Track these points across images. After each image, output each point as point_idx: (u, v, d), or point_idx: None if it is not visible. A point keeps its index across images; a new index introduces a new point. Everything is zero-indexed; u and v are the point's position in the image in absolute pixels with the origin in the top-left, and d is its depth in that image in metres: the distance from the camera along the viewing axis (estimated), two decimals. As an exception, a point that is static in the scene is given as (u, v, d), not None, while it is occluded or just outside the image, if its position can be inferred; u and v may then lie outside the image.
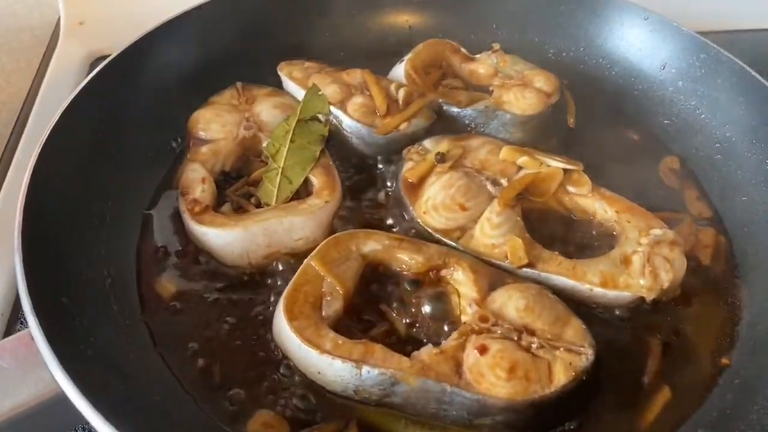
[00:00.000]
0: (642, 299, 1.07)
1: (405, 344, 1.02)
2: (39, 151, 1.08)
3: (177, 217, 1.21)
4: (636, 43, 1.47)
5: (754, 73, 1.29)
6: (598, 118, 1.42)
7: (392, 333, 1.05)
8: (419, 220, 1.16)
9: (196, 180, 1.20)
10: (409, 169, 1.22)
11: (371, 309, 1.08)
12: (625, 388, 1.02)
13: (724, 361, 1.06)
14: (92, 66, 1.63)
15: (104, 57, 1.30)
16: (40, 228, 1.02)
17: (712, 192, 1.30)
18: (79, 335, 0.96)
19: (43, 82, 1.58)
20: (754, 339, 1.07)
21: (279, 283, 1.11)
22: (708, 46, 1.37)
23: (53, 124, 1.13)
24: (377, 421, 0.97)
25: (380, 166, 1.29)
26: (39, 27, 1.79)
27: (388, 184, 1.26)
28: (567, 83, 1.41)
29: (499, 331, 0.98)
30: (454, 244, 1.13)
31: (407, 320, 1.07)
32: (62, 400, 0.83)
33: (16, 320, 1.18)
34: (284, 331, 0.99)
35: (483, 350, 0.94)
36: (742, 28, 1.82)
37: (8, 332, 1.17)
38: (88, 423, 0.92)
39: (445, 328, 1.05)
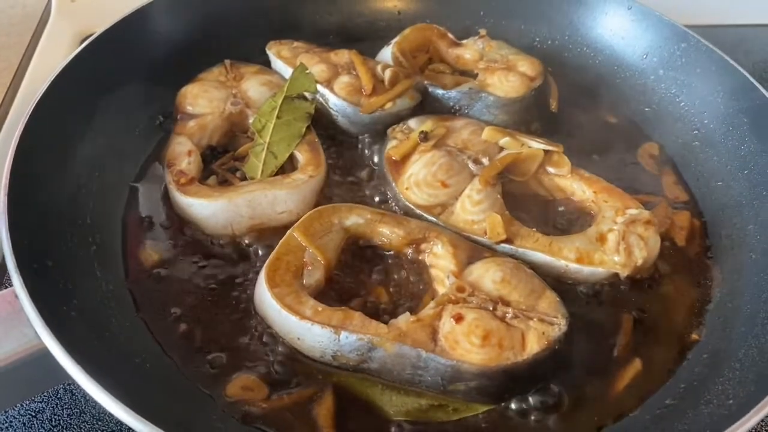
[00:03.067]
0: (616, 276, 1.10)
1: (383, 315, 1.04)
2: (26, 118, 1.10)
3: (163, 190, 1.23)
4: (619, 32, 1.50)
5: (731, 61, 1.32)
6: (580, 105, 1.45)
7: (371, 304, 1.07)
8: (401, 196, 1.18)
9: (183, 152, 1.21)
10: (393, 147, 1.24)
11: (352, 281, 1.10)
12: (596, 359, 1.04)
13: (695, 336, 1.09)
14: (83, 43, 1.64)
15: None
16: (25, 194, 1.03)
17: (688, 177, 1.33)
18: (63, 297, 0.97)
19: (33, 57, 1.59)
20: (724, 316, 1.10)
21: (261, 253, 1.13)
22: (688, 35, 1.40)
23: (41, 94, 1.15)
24: (354, 386, 0.99)
25: (365, 144, 1.31)
26: (30, 4, 1.79)
27: (372, 161, 1.28)
28: (551, 70, 1.43)
29: (474, 302, 1.00)
30: (434, 219, 1.15)
31: (386, 292, 1.09)
32: (44, 356, 0.85)
33: (0, 286, 1.19)
34: (265, 297, 1.01)
35: (459, 319, 0.97)
36: (725, 24, 1.85)
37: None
38: (70, 382, 0.95)
39: (422, 300, 1.07)
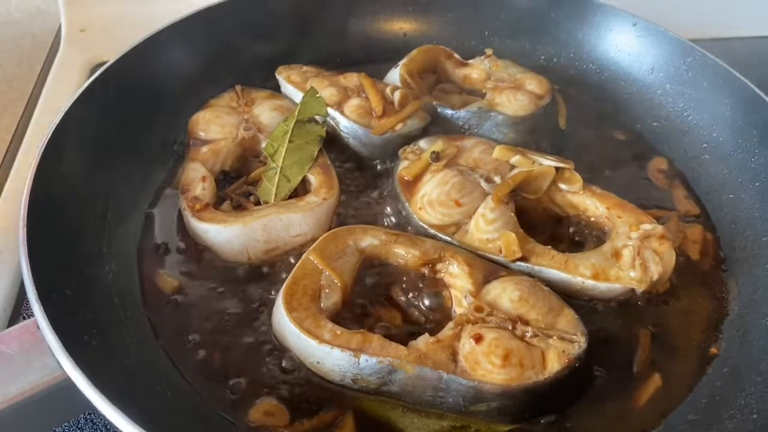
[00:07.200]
0: (632, 291, 1.10)
1: (401, 336, 1.04)
2: (42, 150, 1.10)
3: (178, 216, 1.23)
4: (624, 49, 1.51)
5: (738, 75, 1.33)
6: (588, 121, 1.45)
7: (389, 326, 1.07)
8: (415, 216, 1.19)
9: (197, 178, 1.22)
10: (405, 167, 1.25)
11: (368, 302, 1.10)
12: (616, 376, 1.04)
13: (713, 350, 1.09)
14: (93, 72, 1.64)
15: (104, 63, 1.32)
16: (42, 226, 1.03)
17: (699, 191, 1.34)
18: (83, 326, 0.97)
19: (45, 87, 1.61)
20: (742, 329, 1.10)
21: (277, 277, 1.14)
22: (694, 49, 1.41)
23: (55, 125, 1.15)
24: (374, 409, 0.99)
25: (376, 165, 1.32)
26: (40, 34, 1.81)
27: (384, 182, 1.29)
28: (558, 88, 1.44)
29: (493, 321, 1.00)
30: (449, 239, 1.16)
31: (403, 313, 1.09)
32: (67, 386, 0.85)
33: (17, 316, 1.19)
34: (284, 322, 1.01)
35: (478, 339, 0.97)
36: (729, 36, 1.86)
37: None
38: (91, 411, 0.95)
39: (440, 320, 1.07)
